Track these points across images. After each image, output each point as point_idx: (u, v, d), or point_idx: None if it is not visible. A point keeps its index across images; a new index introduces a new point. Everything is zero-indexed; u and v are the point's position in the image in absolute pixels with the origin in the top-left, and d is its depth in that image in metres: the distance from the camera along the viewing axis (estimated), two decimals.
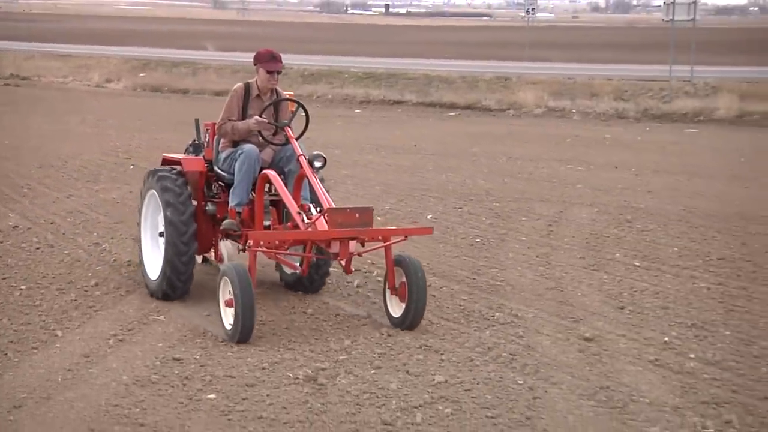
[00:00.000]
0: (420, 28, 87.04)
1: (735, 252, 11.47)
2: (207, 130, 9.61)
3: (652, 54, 40.18)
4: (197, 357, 7.56)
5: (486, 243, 11.83)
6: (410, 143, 22.21)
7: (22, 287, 9.43)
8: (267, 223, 9.10)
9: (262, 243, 8.45)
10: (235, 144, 9.20)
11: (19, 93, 35.02)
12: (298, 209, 8.47)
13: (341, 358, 7.53)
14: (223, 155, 9.24)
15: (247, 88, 9.32)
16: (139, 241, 9.68)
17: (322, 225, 8.12)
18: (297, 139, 9.08)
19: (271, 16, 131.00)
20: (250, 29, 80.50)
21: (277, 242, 8.64)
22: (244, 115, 9.19)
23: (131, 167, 17.58)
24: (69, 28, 70.48)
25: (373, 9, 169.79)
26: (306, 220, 8.30)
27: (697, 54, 32.88)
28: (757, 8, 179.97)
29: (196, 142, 9.94)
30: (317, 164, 8.73)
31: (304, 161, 8.66)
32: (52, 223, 12.48)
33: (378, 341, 7.93)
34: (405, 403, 6.67)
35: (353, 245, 8.21)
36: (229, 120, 9.15)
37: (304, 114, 9.32)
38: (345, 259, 8.28)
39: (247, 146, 9.00)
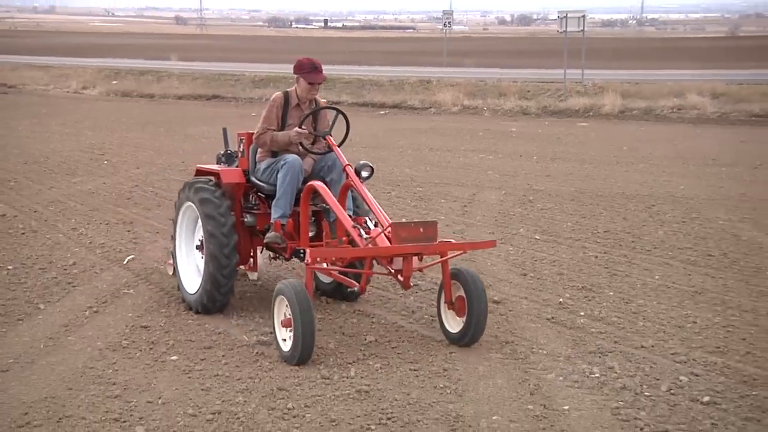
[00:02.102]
0: (354, 39, 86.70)
1: (617, 226, 11.60)
2: (241, 139, 8.25)
3: (549, 60, 40.49)
4: (162, 324, 7.53)
5: None
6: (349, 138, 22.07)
7: (9, 267, 9.28)
8: (310, 234, 7.85)
9: (319, 259, 6.96)
10: (274, 154, 7.91)
11: (6, 99, 34.29)
12: (353, 223, 7.19)
13: None
14: (262, 166, 7.92)
15: (287, 97, 8.00)
16: (174, 254, 8.31)
17: (383, 240, 6.81)
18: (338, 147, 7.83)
19: (227, 30, 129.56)
20: (208, 42, 79.70)
21: (334, 259, 7.20)
22: (283, 125, 7.90)
23: (105, 162, 17.31)
24: (50, 43, 69.10)
25: (314, 23, 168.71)
26: (364, 235, 7.00)
27: (586, 59, 33.18)
28: (634, 21, 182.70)
29: (229, 151, 8.57)
30: (364, 174, 7.47)
31: (351, 171, 7.40)
32: (35, 212, 12.26)
33: (318, 308, 7.91)
34: (341, 359, 6.70)
35: (416, 261, 6.97)
36: (269, 130, 7.85)
37: (344, 122, 7.96)
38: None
39: (290, 157, 7.66)
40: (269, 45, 71.15)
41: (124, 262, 9.58)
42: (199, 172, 8.40)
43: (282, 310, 6.64)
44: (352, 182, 7.39)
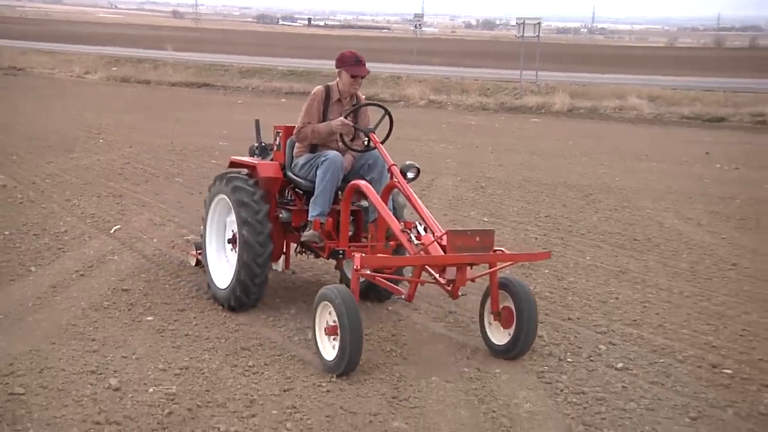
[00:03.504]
0: (334, 36, 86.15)
1: (557, 211, 11.67)
2: (278, 132, 7.24)
3: (508, 61, 40.41)
4: (141, 288, 7.48)
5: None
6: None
7: (5, 232, 9.18)
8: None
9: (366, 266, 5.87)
10: (313, 149, 6.96)
11: (15, 81, 33.82)
12: (401, 227, 6.21)
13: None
14: (300, 161, 6.94)
15: (328, 91, 6.98)
16: (204, 249, 7.38)
17: (436, 248, 5.86)
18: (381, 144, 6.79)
19: (219, 24, 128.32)
20: (201, 35, 78.82)
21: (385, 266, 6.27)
22: (324, 120, 6.92)
23: (101, 141, 17.15)
24: (57, 30, 68.17)
25: (299, 21, 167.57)
26: (414, 241, 6.03)
27: (541, 62, 33.28)
28: (586, 30, 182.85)
29: (263, 144, 7.52)
30: (410, 175, 6.60)
31: (397, 172, 6.47)
32: (33, 183, 12.11)
33: (281, 280, 7.92)
34: (300, 324, 6.69)
35: (470, 271, 6.03)
36: (309, 124, 6.89)
37: (388, 120, 6.96)
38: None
39: (332, 153, 6.69)
40: (257, 39, 70.50)
41: (111, 231, 9.51)
42: (233, 164, 7.33)
43: (325, 317, 5.77)
44: (397, 184, 6.44)
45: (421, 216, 6.26)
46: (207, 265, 7.30)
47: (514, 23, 35.59)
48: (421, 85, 31.34)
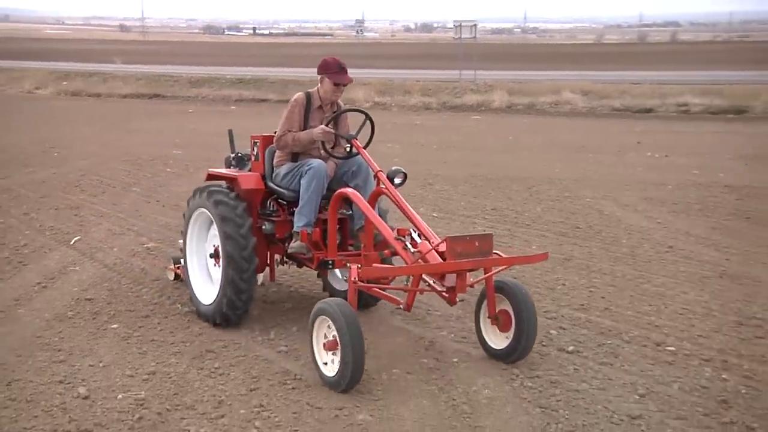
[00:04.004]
0: (279, 44, 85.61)
1: (503, 204, 11.74)
2: (255, 142, 6.80)
3: (447, 62, 40.58)
4: (104, 297, 7.34)
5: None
6: (272, 131, 21.81)
7: None
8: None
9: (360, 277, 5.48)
10: (294, 158, 6.58)
11: None
12: (395, 234, 5.86)
13: None
14: (282, 170, 6.54)
15: (308, 98, 6.59)
16: (185, 265, 6.98)
17: (434, 256, 5.48)
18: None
19: (166, 36, 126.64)
20: (150, 47, 77.73)
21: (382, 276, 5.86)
22: (305, 127, 6.55)
23: (55, 154, 16.77)
24: (5, 48, 66.62)
25: (244, 30, 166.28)
26: (411, 249, 5.69)
27: (478, 62, 33.47)
28: (519, 30, 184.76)
29: (239, 154, 7.02)
30: (397, 180, 6.30)
31: (384, 178, 6.13)
32: None
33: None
34: (263, 325, 6.62)
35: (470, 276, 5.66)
36: (290, 132, 6.52)
37: (370, 126, 6.63)
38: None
39: (315, 161, 6.31)
40: (204, 50, 69.76)
41: (71, 243, 9.32)
42: (211, 177, 6.88)
43: (323, 331, 5.41)
44: (385, 190, 6.10)
45: (413, 223, 5.92)
46: (189, 281, 6.91)
47: (451, 26, 35.76)
48: (366, 88, 31.28)
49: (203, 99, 32.97)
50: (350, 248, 6.59)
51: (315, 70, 6.71)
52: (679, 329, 6.50)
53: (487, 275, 5.71)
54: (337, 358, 5.24)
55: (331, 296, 6.78)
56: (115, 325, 6.59)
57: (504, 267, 5.80)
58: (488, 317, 5.86)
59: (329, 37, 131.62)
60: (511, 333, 5.73)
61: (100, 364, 5.74)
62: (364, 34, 49.71)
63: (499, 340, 5.83)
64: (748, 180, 13.59)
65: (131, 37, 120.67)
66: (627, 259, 8.69)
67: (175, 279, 7.69)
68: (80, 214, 10.93)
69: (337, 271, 7.12)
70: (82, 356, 5.90)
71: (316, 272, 7.21)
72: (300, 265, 6.86)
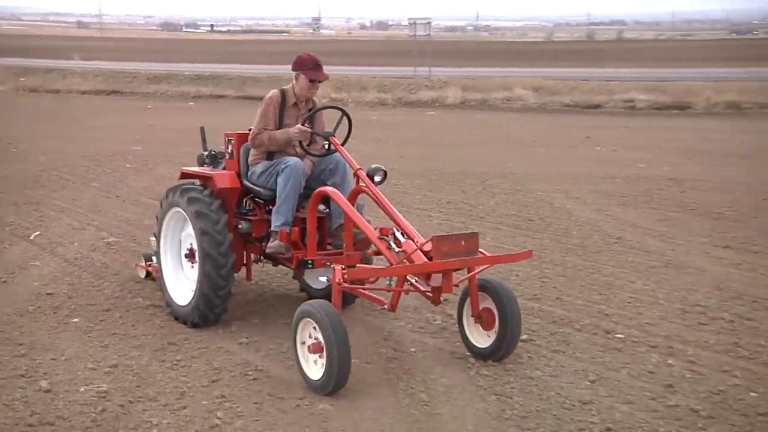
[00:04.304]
0: (236, 41, 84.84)
1: (457, 197, 11.80)
2: (230, 140, 6.49)
3: (402, 59, 40.56)
4: (65, 291, 7.23)
5: None
6: (231, 125, 21.65)
7: None
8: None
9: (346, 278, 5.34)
10: (270, 156, 6.31)
11: None
12: (378, 234, 5.68)
13: None
14: (258, 169, 6.28)
15: (283, 95, 6.33)
16: (159, 267, 6.66)
17: (419, 256, 5.32)
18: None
19: (125, 33, 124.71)
20: (108, 44, 76.50)
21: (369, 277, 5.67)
22: (280, 125, 6.30)
23: (14, 150, 16.50)
24: None
25: (202, 27, 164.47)
26: (395, 248, 5.51)
27: (432, 59, 33.55)
28: (472, 27, 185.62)
29: (213, 152, 6.79)
30: (377, 179, 6.08)
31: (364, 175, 5.94)
32: None
33: None
34: (225, 317, 6.51)
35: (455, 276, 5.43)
36: (265, 130, 6.24)
37: (347, 123, 6.42)
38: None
39: (292, 160, 6.06)
40: (163, 46, 68.91)
41: (31, 238, 9.17)
42: (185, 176, 6.61)
43: (307, 333, 5.18)
44: (366, 188, 5.91)
45: (396, 221, 5.73)
46: (164, 283, 6.59)
47: (406, 23, 35.78)
48: (323, 84, 30.84)
49: (162, 95, 32.60)
50: (329, 247, 6.34)
51: (273, 66, 6.68)
52: (627, 317, 6.60)
53: (470, 274, 5.52)
54: (322, 361, 5.02)
55: (309, 297, 6.69)
56: (76, 319, 6.49)
57: (487, 266, 5.62)
58: (471, 316, 5.69)
59: (286, 34, 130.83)
60: (494, 331, 5.57)
61: (62, 358, 5.66)
62: (321, 31, 49.63)
63: (482, 339, 5.67)
64: (692, 173, 13.85)
65: (89, 33, 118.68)
66: (577, 250, 8.80)
67: (146, 277, 7.41)
68: (40, 209, 10.75)
69: (316, 270, 6.56)
70: (44, 350, 5.81)
71: (291, 270, 6.91)
72: (276, 264, 6.67)
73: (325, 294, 6.24)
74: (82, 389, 5.14)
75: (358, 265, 5.79)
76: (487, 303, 5.61)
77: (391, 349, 5.92)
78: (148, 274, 7.38)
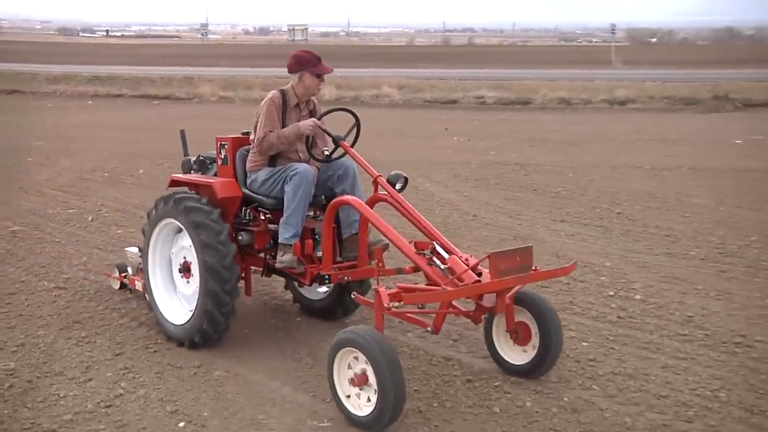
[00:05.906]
0: (131, 45, 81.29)
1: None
2: (223, 145, 5.34)
3: (283, 61, 39.46)
4: None
5: None
6: (128, 123, 20.85)
7: None
8: (318, 254, 5.12)
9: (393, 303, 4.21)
10: (271, 162, 5.19)
11: None
12: (415, 249, 4.61)
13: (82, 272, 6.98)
14: (260, 176, 5.15)
15: (284, 96, 5.28)
16: (148, 284, 5.49)
17: (470, 275, 4.29)
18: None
19: (21, 36, 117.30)
20: (6, 46, 71.67)
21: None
22: (282, 128, 5.21)
23: None
24: None
25: (98, 32, 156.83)
26: (440, 265, 4.50)
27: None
28: (344, 33, 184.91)
29: (201, 157, 5.64)
30: (398, 186, 5.08)
31: (385, 183, 5.01)
32: None
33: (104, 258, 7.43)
34: (124, 296, 6.27)
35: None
36: (272, 131, 5.13)
37: (356, 126, 5.53)
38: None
39: (301, 166, 5.00)
40: (60, 49, 65.28)
41: None
42: (175, 183, 5.49)
43: (346, 362, 4.13)
44: (387, 197, 4.95)
45: (429, 234, 4.72)
46: (153, 300, 5.43)
47: (286, 29, 35.34)
48: (212, 84, 30.39)
49: (61, 95, 30.88)
50: (338, 260, 5.23)
51: (165, 67, 6.44)
52: None
53: (515, 290, 4.49)
54: (365, 394, 4.05)
55: (303, 308, 5.88)
56: None
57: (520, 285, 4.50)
58: (506, 331, 4.68)
59: (177, 38, 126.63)
60: (529, 346, 4.65)
61: None
62: (209, 36, 48.26)
63: (516, 355, 4.72)
64: (534, 159, 14.31)
65: None
66: (440, 227, 8.78)
67: (120, 288, 6.29)
68: None
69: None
70: None
71: (285, 284, 6.08)
72: (268, 273, 5.39)
73: (323, 306, 5.67)
74: None
75: (410, 285, 4.72)
76: (522, 317, 4.63)
77: (280, 320, 5.85)
78: (123, 285, 6.27)
